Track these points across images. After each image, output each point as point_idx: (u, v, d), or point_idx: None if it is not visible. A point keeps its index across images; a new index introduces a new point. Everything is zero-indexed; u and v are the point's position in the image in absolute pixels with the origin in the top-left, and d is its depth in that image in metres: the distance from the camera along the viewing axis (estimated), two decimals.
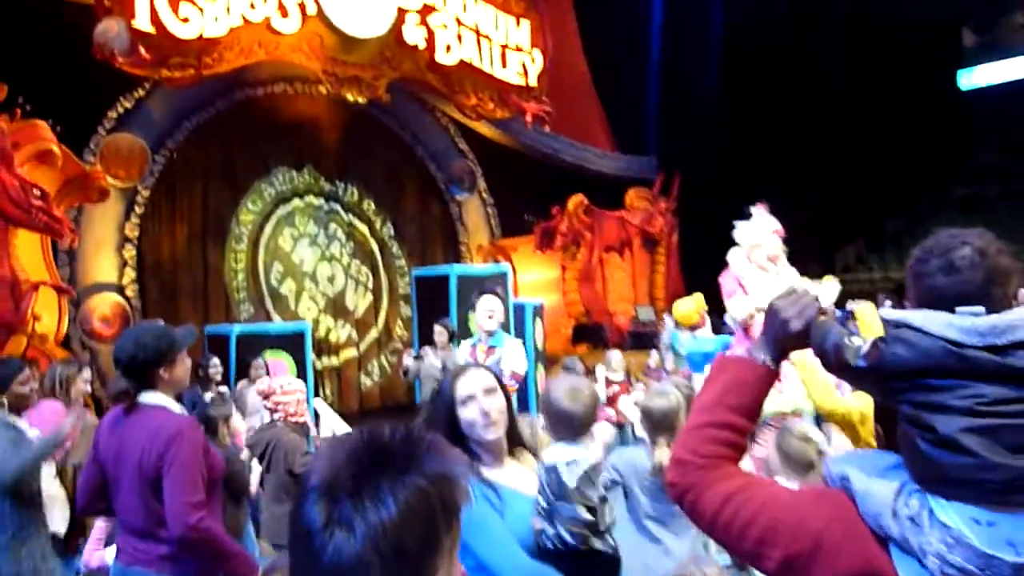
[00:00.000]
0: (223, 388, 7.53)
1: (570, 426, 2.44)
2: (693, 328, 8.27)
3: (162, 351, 2.92)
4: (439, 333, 7.48)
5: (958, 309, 1.36)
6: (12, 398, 3.69)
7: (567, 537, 2.23)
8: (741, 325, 5.22)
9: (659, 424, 3.30)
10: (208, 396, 6.96)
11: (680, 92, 17.59)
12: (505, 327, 5.89)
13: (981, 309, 1.35)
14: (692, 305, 8.14)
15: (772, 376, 1.54)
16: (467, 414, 2.29)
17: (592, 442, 2.53)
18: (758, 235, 5.40)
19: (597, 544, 2.30)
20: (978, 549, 1.22)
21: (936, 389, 1.32)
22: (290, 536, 1.01)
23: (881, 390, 1.42)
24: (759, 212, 5.53)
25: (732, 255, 5.59)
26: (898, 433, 1.38)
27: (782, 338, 1.53)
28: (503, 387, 2.37)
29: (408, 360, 7.77)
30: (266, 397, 4.29)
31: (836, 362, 1.44)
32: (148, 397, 2.93)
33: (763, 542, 1.40)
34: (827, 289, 5.46)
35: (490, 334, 5.43)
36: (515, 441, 2.43)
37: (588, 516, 2.26)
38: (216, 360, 7.96)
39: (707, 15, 18.20)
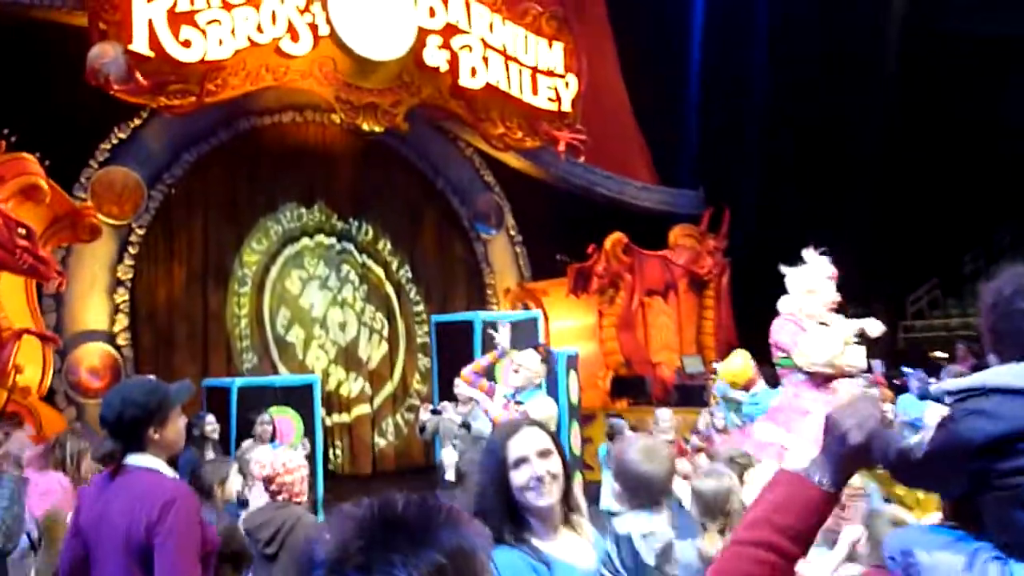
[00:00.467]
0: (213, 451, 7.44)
1: (648, 491, 2.44)
2: (747, 387, 8.11)
3: (152, 409, 2.89)
4: (459, 385, 7.39)
5: None
6: None
7: None
8: (815, 369, 5.37)
9: (710, 507, 3.24)
10: (210, 456, 6.84)
11: (728, 119, 17.51)
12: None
13: None
14: (741, 361, 8.02)
15: (830, 500, 1.47)
16: (519, 478, 2.27)
17: (667, 512, 2.48)
18: (811, 281, 5.52)
19: None
20: None
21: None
22: None
23: (956, 473, 1.43)
24: (811, 256, 5.60)
25: (783, 303, 5.69)
26: (978, 503, 1.40)
27: (842, 454, 1.46)
28: (559, 449, 2.35)
29: (425, 415, 7.67)
30: (269, 482, 4.20)
31: (902, 468, 1.47)
32: (136, 460, 2.87)
33: None
34: (870, 326, 5.54)
35: (518, 390, 5.37)
36: (570, 508, 2.40)
37: None
38: (211, 417, 7.84)
39: (753, 36, 18.17)
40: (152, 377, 3.19)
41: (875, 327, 5.50)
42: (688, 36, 17.79)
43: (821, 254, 5.65)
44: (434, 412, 7.60)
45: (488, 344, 10.50)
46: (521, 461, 2.27)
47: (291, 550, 4.06)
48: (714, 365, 10.14)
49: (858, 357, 5.48)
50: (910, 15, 18.22)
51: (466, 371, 5.69)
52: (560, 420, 6.54)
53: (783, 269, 5.67)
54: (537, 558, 2.22)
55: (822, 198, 16.38)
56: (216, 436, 7.65)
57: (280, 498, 4.15)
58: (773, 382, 8.22)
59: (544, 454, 2.29)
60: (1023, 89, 21.42)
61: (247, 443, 7.69)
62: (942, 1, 18.08)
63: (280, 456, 4.45)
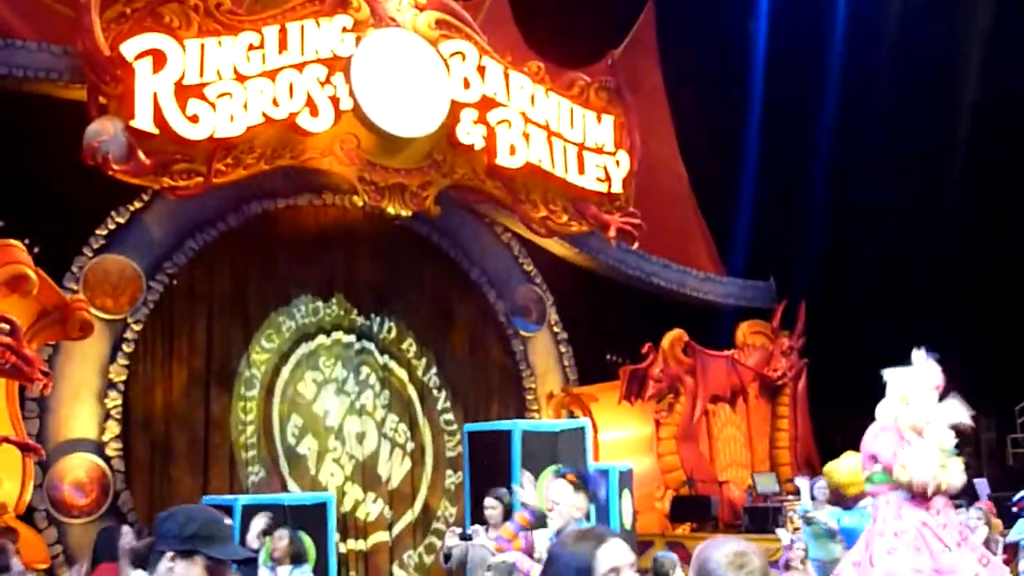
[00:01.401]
0: None
1: None
2: (857, 499, 8.01)
3: (204, 534, 2.91)
4: (491, 506, 7.36)
5: None
6: None
7: None
8: (920, 489, 5.41)
9: None
10: None
11: (795, 204, 17.56)
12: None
13: None
14: (854, 462, 7.87)
15: None
16: None
17: None
18: (911, 388, 5.59)
19: None
20: None
21: None
22: None
23: None
24: (920, 358, 5.65)
25: (881, 409, 5.73)
26: None
27: None
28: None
29: (452, 540, 7.56)
30: None
31: None
32: None
33: None
34: (956, 414, 5.55)
35: (559, 532, 5.29)
36: None
37: None
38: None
39: (819, 111, 18.33)
40: (222, 515, 3.19)
41: (962, 413, 5.58)
42: (751, 110, 17.97)
43: (932, 359, 5.71)
44: (463, 537, 7.50)
45: (530, 459, 10.46)
46: (614, 572, 2.25)
47: None
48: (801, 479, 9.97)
49: (956, 473, 5.52)
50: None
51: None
52: None
53: (885, 372, 5.74)
54: None
55: (915, 297, 16.23)
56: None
57: None
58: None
59: (633, 566, 2.30)
60: None
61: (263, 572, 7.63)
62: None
63: None
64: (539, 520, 5.82)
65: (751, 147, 17.72)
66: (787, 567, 9.23)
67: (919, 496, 5.41)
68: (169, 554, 2.86)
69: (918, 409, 5.53)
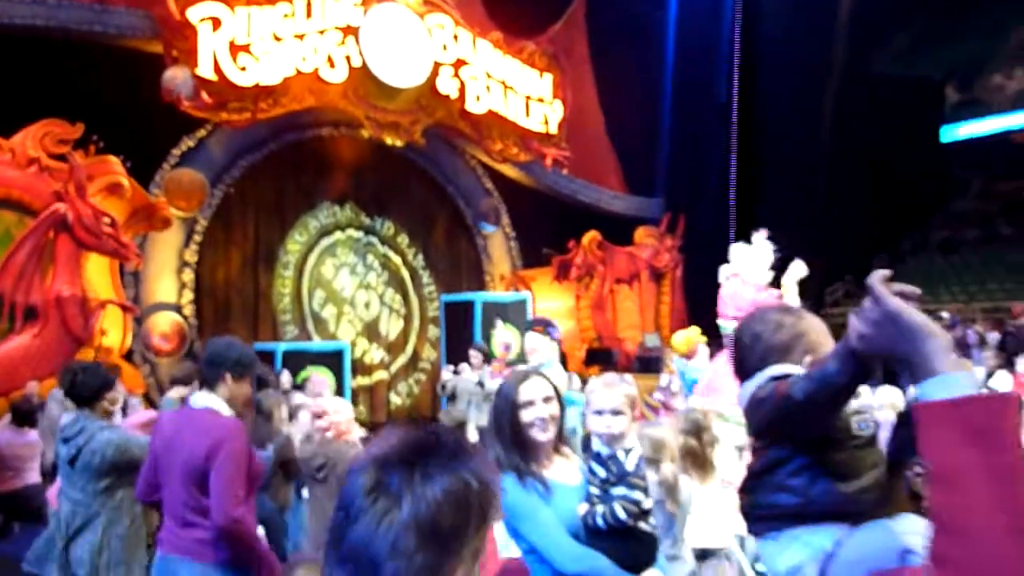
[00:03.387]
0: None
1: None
2: (688, 355, 8.22)
3: (243, 361, 2.98)
4: (475, 355, 7.54)
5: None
6: (101, 413, 3.66)
7: (620, 514, 2.22)
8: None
9: (655, 449, 3.35)
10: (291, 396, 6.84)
11: (687, 141, 17.55)
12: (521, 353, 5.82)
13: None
14: (687, 333, 8.13)
15: None
16: (526, 416, 2.32)
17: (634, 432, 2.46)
18: (753, 257, 5.27)
19: (642, 524, 2.30)
20: None
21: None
22: (337, 501, 0.97)
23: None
24: (759, 238, 5.35)
25: (723, 270, 5.43)
26: None
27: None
28: (558, 396, 2.40)
29: (447, 375, 7.75)
30: (318, 417, 4.17)
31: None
32: (201, 399, 2.92)
33: None
34: (795, 270, 5.19)
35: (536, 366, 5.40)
36: (561, 440, 2.45)
37: (641, 496, 2.28)
38: (287, 373, 7.88)
39: (716, 72, 18.23)
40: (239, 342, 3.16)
41: (799, 269, 5.16)
42: (657, 72, 17.80)
43: (768, 239, 5.41)
44: (455, 373, 7.69)
45: (486, 320, 10.60)
46: (528, 403, 2.32)
47: (333, 480, 4.06)
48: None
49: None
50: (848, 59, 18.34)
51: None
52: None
53: (733, 247, 5.36)
54: (539, 480, 2.28)
55: (763, 209, 16.44)
56: (288, 386, 7.57)
57: (328, 434, 4.14)
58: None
59: (547, 399, 2.34)
60: (930, 125, 21.65)
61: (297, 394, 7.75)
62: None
63: (334, 400, 4.50)
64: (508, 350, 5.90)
65: (656, 103, 17.66)
66: (666, 399, 9.52)
67: None
68: (228, 375, 2.92)
69: (756, 273, 5.22)
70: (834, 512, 1.24)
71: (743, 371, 1.50)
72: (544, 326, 5.29)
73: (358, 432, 4.37)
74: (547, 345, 5.29)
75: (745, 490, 1.40)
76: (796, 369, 1.37)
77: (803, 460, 1.28)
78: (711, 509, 3.78)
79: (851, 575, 1.17)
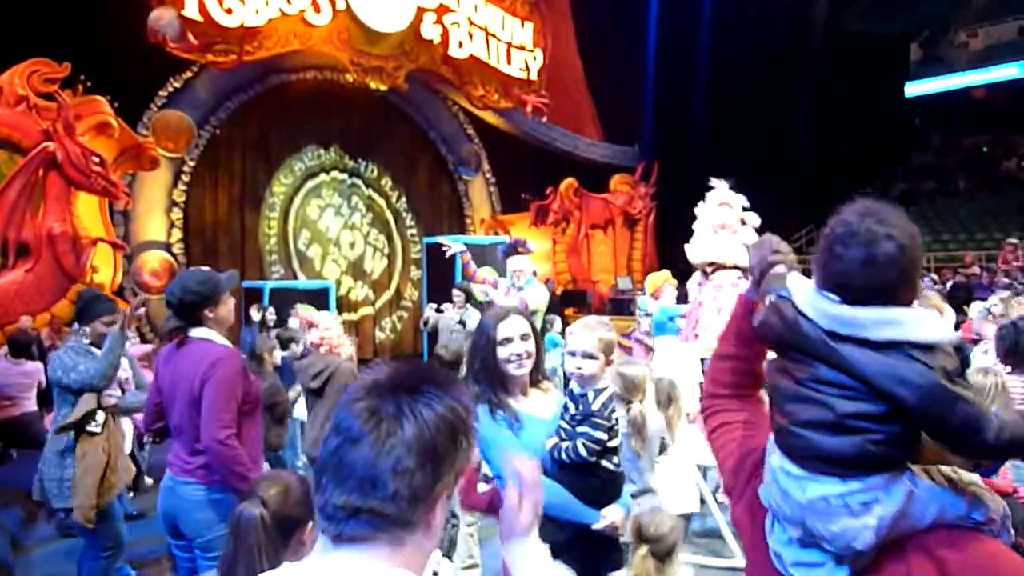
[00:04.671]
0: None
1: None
2: (655, 295, 8.33)
3: (206, 294, 2.92)
4: (457, 295, 7.58)
5: (821, 291, 1.25)
6: (94, 335, 3.62)
7: (582, 451, 2.26)
8: (700, 269, 5.17)
9: (631, 386, 3.41)
10: (272, 333, 6.88)
11: (665, 91, 17.43)
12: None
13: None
14: (652, 278, 8.22)
15: (749, 304, 1.46)
16: (503, 353, 2.33)
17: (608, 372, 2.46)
18: (717, 197, 5.29)
19: (604, 462, 2.33)
20: (780, 486, 1.27)
21: (792, 360, 1.28)
22: (332, 425, 0.98)
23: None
24: (719, 185, 5.38)
25: (698, 210, 5.45)
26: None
27: (756, 277, 1.45)
28: (535, 333, 2.40)
29: (430, 313, 7.80)
30: (310, 326, 4.22)
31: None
32: (195, 332, 2.94)
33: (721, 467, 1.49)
34: (750, 219, 5.19)
35: (519, 288, 5.47)
36: (538, 374, 2.47)
37: (604, 436, 2.30)
38: (272, 309, 7.88)
39: (696, 23, 18.01)
40: (206, 268, 3.11)
41: (753, 218, 5.19)
42: (638, 21, 17.56)
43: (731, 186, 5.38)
44: (437, 310, 7.73)
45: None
46: (507, 340, 2.33)
47: (336, 389, 4.15)
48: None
49: (724, 252, 5.08)
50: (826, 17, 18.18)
51: (464, 270, 5.79)
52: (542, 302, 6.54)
53: (714, 181, 5.35)
54: (510, 413, 2.31)
55: (735, 159, 16.44)
56: (273, 323, 7.59)
57: (322, 349, 4.23)
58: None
59: (525, 337, 2.35)
60: (895, 81, 21.59)
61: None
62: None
63: (324, 315, 4.55)
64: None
65: (638, 52, 17.47)
66: (640, 337, 9.65)
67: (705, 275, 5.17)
68: (206, 310, 2.93)
69: (720, 216, 5.17)
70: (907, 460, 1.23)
71: (851, 287, 1.21)
72: (522, 246, 5.40)
73: (349, 348, 4.45)
74: (529, 264, 5.43)
75: (815, 429, 1.22)
76: (947, 331, 1.19)
77: (908, 420, 1.18)
78: (674, 478, 3.87)
79: (924, 514, 1.19)
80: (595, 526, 2.28)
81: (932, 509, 1.19)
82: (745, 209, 5.31)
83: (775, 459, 1.29)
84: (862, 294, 1.20)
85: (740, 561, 4.55)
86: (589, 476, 2.30)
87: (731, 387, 1.51)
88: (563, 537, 2.20)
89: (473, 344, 2.43)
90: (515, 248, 5.39)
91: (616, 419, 2.38)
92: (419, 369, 1.00)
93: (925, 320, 1.18)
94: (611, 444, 2.32)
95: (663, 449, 3.91)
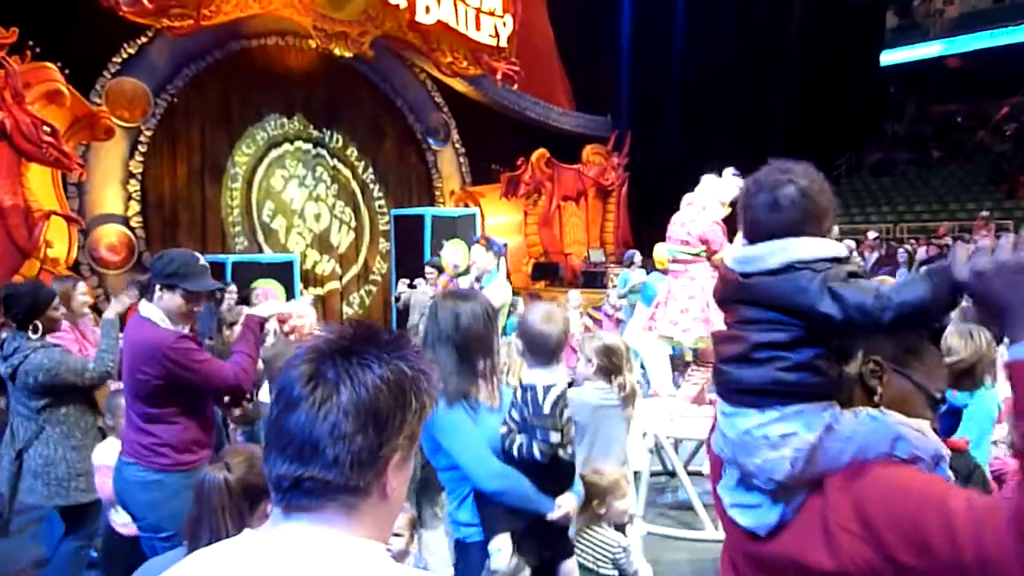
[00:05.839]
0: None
1: (546, 348, 2.41)
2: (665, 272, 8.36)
3: (167, 272, 2.95)
4: (430, 272, 7.60)
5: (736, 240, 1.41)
6: (46, 321, 3.66)
7: (536, 454, 2.29)
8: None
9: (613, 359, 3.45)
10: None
11: (639, 59, 17.42)
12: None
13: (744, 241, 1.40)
14: (661, 251, 8.24)
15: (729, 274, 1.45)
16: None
17: (560, 366, 2.46)
18: (724, 194, 5.07)
19: (560, 452, 2.37)
20: (720, 428, 1.40)
21: (726, 311, 1.43)
22: (275, 392, 0.98)
23: None
24: (728, 173, 5.10)
25: (684, 199, 5.30)
26: None
27: (715, 294, 1.51)
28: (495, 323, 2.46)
29: (402, 288, 7.82)
30: (282, 322, 4.24)
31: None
32: (143, 308, 2.95)
33: None
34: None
35: (478, 278, 5.50)
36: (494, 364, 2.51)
37: (557, 437, 2.31)
38: (234, 287, 7.80)
39: None
40: (202, 258, 3.11)
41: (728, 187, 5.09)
42: None
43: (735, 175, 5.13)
44: (410, 286, 7.75)
45: (436, 235, 10.62)
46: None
47: None
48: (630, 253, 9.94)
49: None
50: None
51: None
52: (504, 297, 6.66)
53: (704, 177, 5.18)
54: (469, 404, 2.36)
55: (709, 130, 16.53)
56: (234, 301, 7.51)
57: (292, 337, 4.24)
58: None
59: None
60: (870, 49, 21.79)
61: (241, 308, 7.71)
62: None
63: (299, 304, 4.54)
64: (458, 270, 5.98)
65: (613, 19, 17.38)
66: (608, 310, 9.77)
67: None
68: (157, 286, 2.94)
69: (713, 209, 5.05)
70: (829, 394, 1.29)
71: (760, 230, 1.34)
72: (488, 242, 5.42)
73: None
74: (488, 257, 5.45)
75: (735, 363, 1.33)
76: (832, 247, 1.29)
77: (818, 345, 1.26)
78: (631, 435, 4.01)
79: (843, 450, 1.24)
80: (550, 516, 2.33)
81: (851, 447, 1.24)
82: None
83: (718, 405, 1.42)
84: (769, 236, 1.33)
85: (710, 533, 4.69)
86: (542, 468, 2.32)
87: None
88: (520, 526, 2.29)
89: (470, 316, 2.39)
90: (477, 240, 5.49)
91: (568, 417, 2.38)
92: (364, 331, 0.99)
93: (810, 242, 1.31)
94: (564, 440, 2.35)
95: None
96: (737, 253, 1.39)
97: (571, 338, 8.54)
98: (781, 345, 1.28)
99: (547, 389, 2.33)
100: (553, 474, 2.36)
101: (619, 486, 2.98)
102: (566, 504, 2.36)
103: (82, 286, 4.55)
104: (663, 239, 5.54)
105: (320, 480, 0.92)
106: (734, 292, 1.38)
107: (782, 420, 1.28)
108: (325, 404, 0.92)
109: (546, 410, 2.30)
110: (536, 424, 2.30)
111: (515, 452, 2.31)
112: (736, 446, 1.34)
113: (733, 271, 1.38)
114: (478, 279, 5.53)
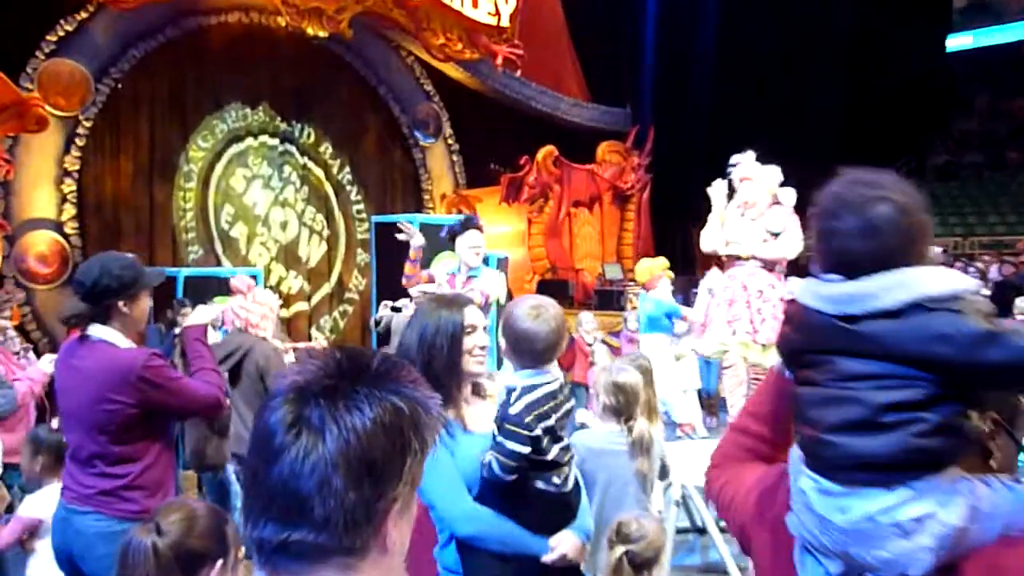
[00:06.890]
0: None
1: (531, 349, 2.35)
2: (646, 288, 8.46)
3: (126, 282, 2.91)
4: (416, 294, 7.54)
5: (823, 276, 1.33)
6: None
7: (495, 468, 2.21)
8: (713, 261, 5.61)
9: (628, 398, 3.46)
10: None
11: (664, 42, 17.50)
12: None
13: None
14: (646, 264, 8.32)
15: (784, 383, 1.47)
16: (468, 343, 2.35)
17: (551, 370, 2.40)
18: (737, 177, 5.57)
19: (539, 483, 2.28)
20: (816, 512, 1.29)
21: (811, 365, 1.34)
22: (251, 439, 0.99)
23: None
24: (742, 159, 5.63)
25: (711, 190, 5.76)
26: None
27: (781, 344, 1.49)
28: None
29: (384, 311, 7.77)
30: (235, 293, 4.32)
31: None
32: (95, 331, 2.92)
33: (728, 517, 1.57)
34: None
35: (471, 268, 5.51)
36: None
37: (524, 448, 2.22)
38: (189, 306, 7.77)
39: None
40: (131, 255, 3.12)
41: (788, 195, 5.56)
42: None
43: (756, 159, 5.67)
44: (394, 309, 7.72)
45: (426, 246, 10.61)
46: (472, 328, 2.36)
47: (244, 373, 4.19)
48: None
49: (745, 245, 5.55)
50: None
51: (405, 280, 5.71)
52: (491, 320, 6.66)
53: (736, 157, 5.69)
54: (445, 430, 2.32)
55: (750, 126, 16.57)
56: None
57: (238, 324, 4.26)
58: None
59: (485, 328, 2.42)
60: (935, 33, 21.90)
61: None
62: None
63: (259, 291, 4.57)
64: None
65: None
66: (630, 335, 9.76)
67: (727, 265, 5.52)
68: (120, 303, 2.91)
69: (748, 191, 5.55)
70: (956, 460, 1.25)
71: (850, 261, 1.29)
72: (472, 221, 5.43)
73: (272, 328, 4.48)
74: (481, 242, 5.48)
75: (849, 431, 1.26)
76: (961, 280, 1.25)
77: (959, 401, 1.23)
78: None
79: (988, 529, 1.22)
80: (545, 558, 2.26)
81: (995, 525, 1.21)
82: (781, 185, 5.43)
83: (804, 481, 1.32)
84: (867, 266, 1.27)
85: None
86: (519, 499, 2.25)
87: (730, 459, 1.61)
88: (510, 573, 2.23)
89: (432, 331, 2.36)
90: (467, 225, 5.39)
91: (552, 429, 2.30)
92: (351, 363, 0.98)
93: (934, 272, 1.25)
94: (546, 458, 2.27)
95: (664, 474, 4.00)
96: (824, 290, 1.31)
97: (580, 341, 8.59)
98: (915, 405, 1.22)
99: (527, 389, 2.29)
100: (539, 507, 2.28)
101: (663, 551, 2.83)
102: (563, 544, 2.28)
103: (6, 311, 4.57)
104: (692, 252, 5.67)
105: (310, 545, 0.93)
106: (829, 340, 1.29)
107: (916, 500, 1.22)
108: (311, 455, 0.91)
109: (514, 410, 2.24)
110: (500, 430, 2.23)
111: (484, 472, 2.24)
112: (850, 536, 1.26)
113: (823, 313, 1.30)
114: (471, 271, 5.51)
